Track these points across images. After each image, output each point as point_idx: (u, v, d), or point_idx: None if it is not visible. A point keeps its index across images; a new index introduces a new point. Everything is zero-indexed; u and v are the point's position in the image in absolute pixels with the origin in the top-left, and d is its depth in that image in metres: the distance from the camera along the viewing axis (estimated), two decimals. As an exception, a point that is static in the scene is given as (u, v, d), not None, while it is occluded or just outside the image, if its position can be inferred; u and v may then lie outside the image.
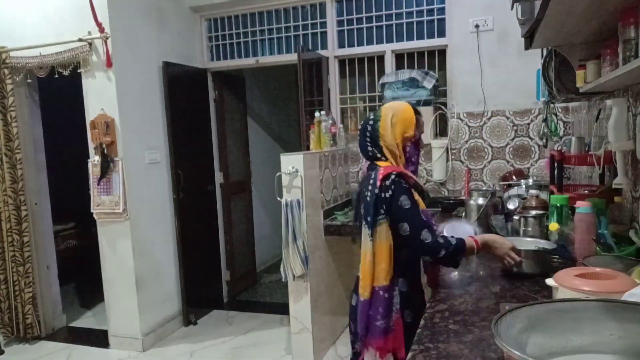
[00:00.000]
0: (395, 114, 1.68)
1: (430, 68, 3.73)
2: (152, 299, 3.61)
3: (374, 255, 1.61)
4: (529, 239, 1.86)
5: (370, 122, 1.71)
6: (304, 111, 3.56)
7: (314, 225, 3.15)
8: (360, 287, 1.65)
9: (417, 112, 1.72)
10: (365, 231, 1.63)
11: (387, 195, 1.58)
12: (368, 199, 1.62)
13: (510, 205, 2.61)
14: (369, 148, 1.72)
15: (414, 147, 1.72)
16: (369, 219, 1.61)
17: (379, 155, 1.69)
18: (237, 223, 4.66)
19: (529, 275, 1.63)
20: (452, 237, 1.61)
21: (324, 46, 3.97)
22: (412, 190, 1.62)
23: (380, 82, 3.78)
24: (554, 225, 1.65)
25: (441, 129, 3.77)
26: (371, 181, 1.62)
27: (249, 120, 5.07)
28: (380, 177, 1.59)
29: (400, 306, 1.62)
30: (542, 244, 1.75)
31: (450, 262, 1.59)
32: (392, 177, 1.59)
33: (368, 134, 1.71)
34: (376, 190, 1.59)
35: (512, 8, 1.83)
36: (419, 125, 1.71)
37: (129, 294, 3.48)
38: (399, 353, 1.61)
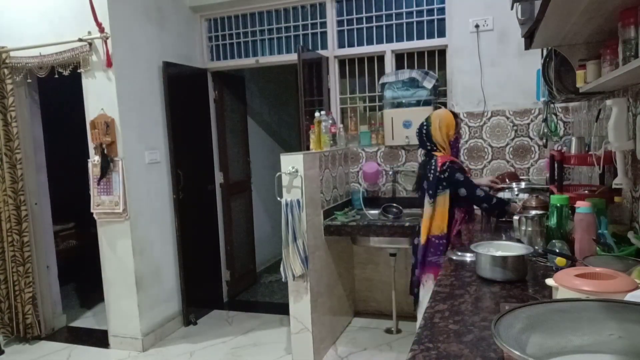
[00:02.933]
0: (441, 120, 2.44)
1: (430, 68, 3.73)
2: (152, 299, 3.61)
3: (431, 216, 2.40)
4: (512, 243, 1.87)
5: (424, 126, 2.48)
6: (304, 111, 3.56)
7: (314, 225, 3.15)
8: (421, 235, 2.45)
9: (456, 116, 2.50)
10: (427, 200, 2.41)
11: (445, 175, 2.37)
12: (431, 178, 2.40)
13: None
14: (427, 144, 2.50)
15: (455, 142, 2.51)
16: (430, 192, 2.40)
17: (434, 148, 2.47)
18: (237, 223, 4.66)
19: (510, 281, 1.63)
20: None
21: (324, 46, 3.97)
22: (463, 168, 2.48)
23: (380, 82, 3.78)
24: (561, 261, 1.65)
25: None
26: (432, 167, 2.41)
27: (249, 120, 5.07)
28: (439, 164, 2.38)
29: (445, 250, 2.34)
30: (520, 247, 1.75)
31: (501, 208, 2.41)
32: (447, 163, 2.39)
33: (424, 135, 2.48)
34: (437, 173, 2.38)
35: (512, 8, 1.83)
36: (457, 126, 2.49)
37: (128, 294, 3.48)
38: None
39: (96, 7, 3.24)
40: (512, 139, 3.54)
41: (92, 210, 3.46)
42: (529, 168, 3.51)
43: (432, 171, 2.41)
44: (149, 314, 3.58)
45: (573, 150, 2.32)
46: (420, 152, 3.55)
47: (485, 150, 3.60)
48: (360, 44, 3.89)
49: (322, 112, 3.35)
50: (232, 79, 4.63)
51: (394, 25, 3.80)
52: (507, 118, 3.53)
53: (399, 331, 3.60)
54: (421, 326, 1.30)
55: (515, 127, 3.53)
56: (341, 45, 3.95)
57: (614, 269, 1.22)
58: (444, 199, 2.39)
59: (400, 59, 3.83)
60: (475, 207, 2.64)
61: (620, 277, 1.14)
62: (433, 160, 2.43)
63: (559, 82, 2.21)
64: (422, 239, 2.45)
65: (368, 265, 3.98)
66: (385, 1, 3.79)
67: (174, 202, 3.83)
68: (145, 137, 3.61)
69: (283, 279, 3.05)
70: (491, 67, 3.51)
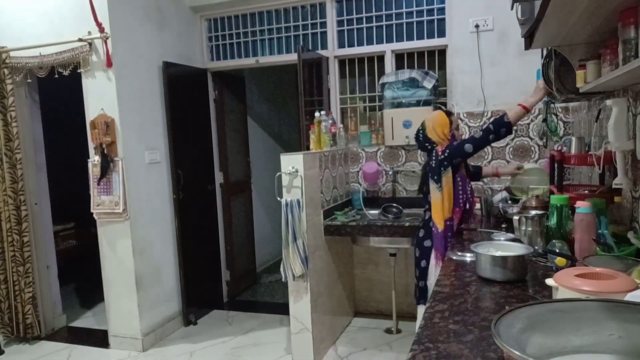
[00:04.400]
0: (434, 122, 2.55)
1: (430, 68, 3.73)
2: (152, 299, 3.61)
3: (442, 200, 2.45)
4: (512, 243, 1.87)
5: (421, 131, 2.59)
6: (304, 111, 3.55)
7: (314, 225, 3.15)
8: (437, 223, 2.47)
9: (449, 114, 2.58)
10: (435, 186, 2.48)
11: (446, 154, 2.45)
12: (434, 165, 2.48)
13: (509, 209, 2.64)
14: (427, 145, 2.58)
15: (453, 138, 2.56)
16: (435, 177, 2.47)
17: (434, 146, 2.54)
18: (237, 223, 4.66)
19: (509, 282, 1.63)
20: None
21: (324, 46, 3.97)
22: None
23: (380, 82, 3.78)
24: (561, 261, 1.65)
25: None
26: (434, 155, 2.50)
27: (249, 120, 5.07)
28: (439, 151, 2.49)
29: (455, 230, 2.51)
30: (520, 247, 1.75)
31: (504, 127, 2.38)
32: (446, 147, 2.50)
33: (421, 138, 2.59)
34: (439, 157, 2.47)
35: (512, 8, 1.83)
36: (452, 124, 2.55)
37: (128, 294, 3.48)
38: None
39: (96, 7, 3.24)
40: (512, 139, 3.54)
41: (92, 210, 3.46)
42: (529, 168, 3.51)
43: (434, 159, 2.51)
44: (149, 314, 3.58)
45: (573, 150, 2.32)
46: (421, 152, 3.64)
47: (485, 150, 3.59)
48: (360, 44, 3.89)
49: (322, 112, 3.35)
50: (232, 79, 4.63)
51: (394, 25, 3.80)
52: (507, 118, 3.53)
53: (399, 331, 3.60)
54: (421, 326, 1.30)
55: (515, 127, 3.52)
56: (341, 45, 3.95)
57: (614, 269, 1.22)
58: (447, 179, 2.46)
59: (400, 59, 3.83)
60: (473, 202, 2.70)
61: (620, 277, 1.14)
62: (434, 152, 2.53)
63: (559, 82, 2.21)
64: (440, 226, 2.47)
65: (368, 265, 3.98)
66: (385, 1, 3.79)
67: (174, 202, 3.83)
68: (145, 137, 3.61)
69: (283, 279, 3.05)
70: (491, 67, 3.51)
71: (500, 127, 2.38)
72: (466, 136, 3.57)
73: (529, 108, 2.37)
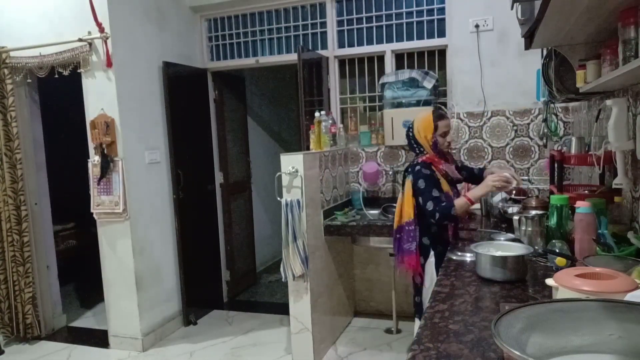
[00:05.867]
0: (419, 123, 2.45)
1: (430, 68, 3.73)
2: (152, 299, 3.61)
3: (401, 203, 2.45)
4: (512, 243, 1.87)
5: (410, 130, 2.49)
6: (304, 111, 3.55)
7: (314, 225, 3.15)
8: (394, 224, 2.52)
9: (440, 118, 2.43)
10: (401, 187, 2.50)
11: (410, 171, 2.42)
12: (408, 167, 2.49)
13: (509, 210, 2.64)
14: (415, 147, 2.50)
15: (435, 145, 2.42)
16: (402, 180, 2.49)
17: (421, 150, 2.46)
18: (237, 223, 4.66)
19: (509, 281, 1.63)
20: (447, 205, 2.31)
21: (324, 46, 3.97)
22: (435, 174, 2.39)
23: (380, 82, 3.78)
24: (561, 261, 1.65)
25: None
26: (414, 160, 2.46)
27: (249, 120, 5.07)
28: (414, 163, 2.43)
29: (416, 236, 2.42)
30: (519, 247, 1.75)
31: (448, 220, 2.36)
32: (418, 166, 2.38)
33: (410, 138, 2.51)
34: (414, 165, 2.41)
35: (512, 8, 1.83)
36: (437, 129, 2.41)
37: (129, 294, 3.48)
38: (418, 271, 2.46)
39: (96, 7, 3.24)
40: (512, 139, 3.54)
41: (92, 210, 3.46)
42: (529, 168, 3.51)
43: (413, 162, 2.47)
44: (149, 314, 3.58)
45: (573, 150, 2.32)
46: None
47: (485, 150, 3.60)
48: (360, 44, 3.89)
49: (322, 112, 3.35)
50: (232, 79, 4.63)
51: (394, 25, 3.80)
52: (507, 118, 3.53)
53: (399, 331, 3.60)
54: (421, 326, 1.30)
55: (515, 127, 3.53)
56: (341, 45, 3.95)
57: (614, 269, 1.22)
58: (408, 184, 2.41)
59: (400, 59, 3.83)
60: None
61: (620, 277, 1.14)
62: (415, 160, 2.47)
63: (559, 82, 2.21)
64: (395, 226, 2.51)
65: (368, 265, 3.98)
66: (385, 1, 3.79)
67: (174, 202, 3.83)
68: (145, 137, 3.61)
69: (283, 279, 3.05)
70: (491, 67, 3.51)
71: (445, 218, 2.33)
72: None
73: (473, 201, 2.30)
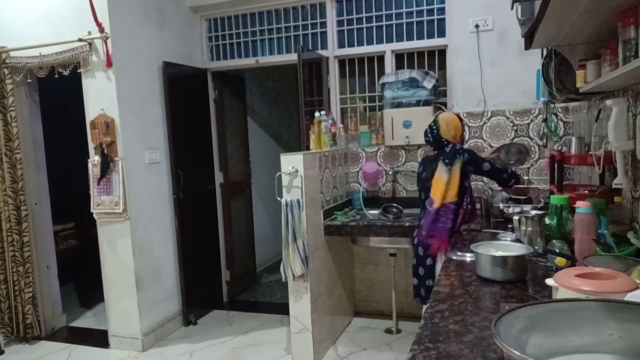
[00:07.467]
0: (449, 123, 2.68)
1: (430, 68, 3.73)
2: (152, 299, 3.61)
3: (448, 182, 2.57)
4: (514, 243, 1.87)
5: (434, 129, 2.70)
6: (304, 111, 3.55)
7: (314, 225, 3.15)
8: (435, 200, 2.60)
9: (461, 120, 2.76)
10: (444, 168, 2.59)
11: (466, 154, 2.59)
12: (447, 150, 2.61)
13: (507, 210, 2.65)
14: (443, 141, 2.67)
15: (462, 141, 2.77)
16: (447, 160, 2.59)
17: (447, 142, 2.66)
18: (237, 223, 4.66)
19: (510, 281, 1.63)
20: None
21: (324, 46, 3.97)
22: None
23: (380, 82, 3.78)
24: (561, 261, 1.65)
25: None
26: (448, 148, 2.62)
27: (249, 120, 5.07)
28: (457, 146, 2.64)
29: (455, 218, 2.60)
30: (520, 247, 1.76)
31: (515, 177, 2.66)
32: (463, 148, 2.67)
33: (432, 136, 2.71)
34: (456, 147, 2.62)
35: (512, 8, 1.83)
36: (463, 130, 2.79)
37: (128, 294, 3.48)
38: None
39: (96, 7, 3.24)
40: (512, 139, 3.53)
41: (92, 210, 3.46)
42: (529, 168, 3.51)
43: (449, 147, 2.63)
44: (149, 314, 3.58)
45: (573, 150, 2.32)
46: (421, 152, 3.69)
47: (486, 150, 3.59)
48: (360, 44, 3.89)
49: (322, 112, 3.35)
50: (232, 79, 4.63)
51: (394, 25, 3.80)
52: (507, 118, 3.54)
53: (399, 331, 3.60)
54: (421, 326, 1.30)
55: (515, 127, 3.53)
56: (341, 45, 3.95)
57: (614, 269, 1.22)
58: (457, 168, 2.57)
59: (400, 59, 3.83)
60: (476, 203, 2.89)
61: (620, 277, 1.14)
62: (451, 145, 2.65)
63: (559, 82, 2.21)
64: (437, 203, 2.60)
65: (368, 265, 3.98)
66: (385, 1, 3.79)
67: (174, 202, 3.83)
68: (145, 137, 3.61)
69: (283, 279, 3.05)
70: (491, 67, 3.51)
71: (512, 177, 2.65)
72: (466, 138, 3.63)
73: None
